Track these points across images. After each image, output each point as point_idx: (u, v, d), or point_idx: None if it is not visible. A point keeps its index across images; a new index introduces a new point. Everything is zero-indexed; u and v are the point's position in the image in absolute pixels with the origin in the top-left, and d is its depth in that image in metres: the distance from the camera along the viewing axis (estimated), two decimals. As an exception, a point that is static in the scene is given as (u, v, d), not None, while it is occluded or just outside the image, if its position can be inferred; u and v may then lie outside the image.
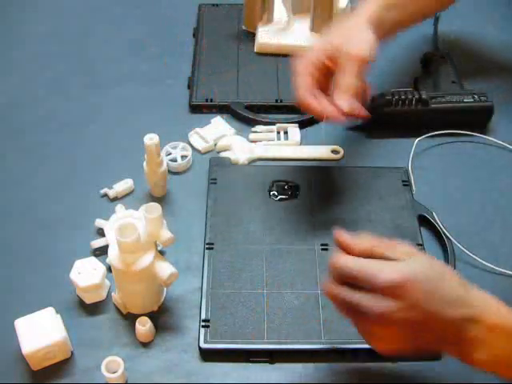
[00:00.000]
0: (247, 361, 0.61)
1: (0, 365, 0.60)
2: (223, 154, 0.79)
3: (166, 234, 0.60)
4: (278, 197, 0.74)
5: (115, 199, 0.74)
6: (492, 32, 0.97)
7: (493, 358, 0.52)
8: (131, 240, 0.57)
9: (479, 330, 0.51)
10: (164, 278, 0.60)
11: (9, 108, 0.86)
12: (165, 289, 0.66)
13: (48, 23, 0.99)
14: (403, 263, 0.52)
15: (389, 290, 0.50)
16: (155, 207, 0.59)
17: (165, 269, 0.60)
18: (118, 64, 0.92)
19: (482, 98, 0.82)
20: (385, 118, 0.81)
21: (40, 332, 0.58)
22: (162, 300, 0.65)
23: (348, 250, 0.55)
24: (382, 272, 0.50)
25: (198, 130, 0.82)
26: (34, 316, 0.59)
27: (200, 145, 0.80)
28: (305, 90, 0.67)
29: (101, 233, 0.70)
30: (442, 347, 0.54)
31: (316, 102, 0.67)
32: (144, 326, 0.61)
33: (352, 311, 0.52)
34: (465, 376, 0.60)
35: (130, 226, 0.58)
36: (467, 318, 0.51)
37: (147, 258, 0.59)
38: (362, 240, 0.55)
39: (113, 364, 0.58)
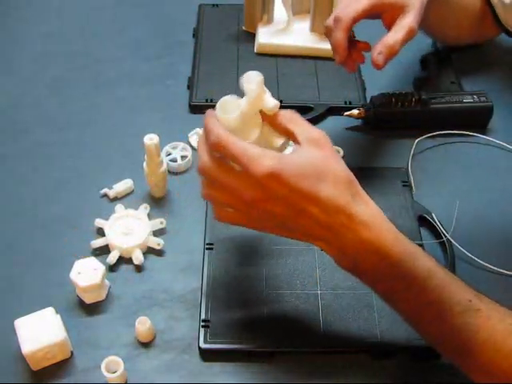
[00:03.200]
0: (247, 361, 0.61)
1: (0, 365, 0.60)
2: (223, 154, 0.79)
3: (270, 101, 0.55)
4: (278, 197, 0.74)
5: (115, 199, 0.74)
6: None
7: (355, 267, 0.53)
8: (233, 117, 0.55)
9: (349, 241, 0.51)
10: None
11: (9, 108, 0.86)
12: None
13: (48, 23, 0.99)
14: (287, 155, 0.52)
15: (261, 181, 0.50)
16: (254, 75, 0.55)
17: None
18: (118, 64, 0.92)
19: (482, 99, 0.82)
20: (385, 118, 0.82)
21: (40, 332, 0.58)
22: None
23: (267, 120, 0.55)
24: (261, 159, 0.50)
25: (198, 130, 0.82)
26: (34, 316, 0.59)
27: (200, 145, 0.80)
28: (343, 31, 0.69)
29: (101, 233, 0.70)
30: (311, 241, 0.54)
31: (344, 46, 0.70)
32: (144, 326, 0.61)
33: (221, 190, 0.54)
34: (464, 376, 0.60)
35: (231, 101, 0.56)
36: (338, 226, 0.51)
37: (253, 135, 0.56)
38: (281, 113, 0.55)
39: (113, 364, 0.58)
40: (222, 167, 0.53)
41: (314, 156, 0.52)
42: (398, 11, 0.69)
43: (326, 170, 0.52)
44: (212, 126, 0.53)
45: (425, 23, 0.76)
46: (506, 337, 0.49)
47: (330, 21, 0.71)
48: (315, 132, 0.54)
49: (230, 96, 0.57)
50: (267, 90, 0.56)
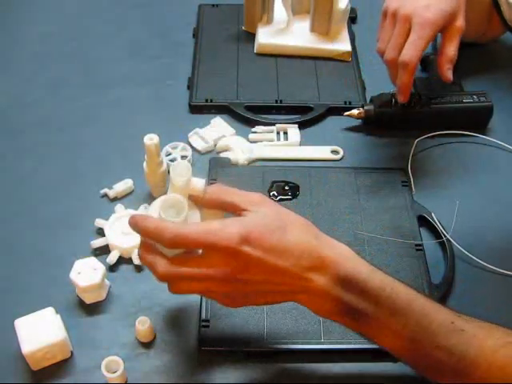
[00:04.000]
0: (247, 361, 0.61)
1: (0, 365, 0.60)
2: (223, 155, 0.79)
3: (199, 182, 0.56)
4: (278, 197, 0.74)
5: (115, 199, 0.74)
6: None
7: (338, 309, 0.52)
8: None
9: (327, 280, 0.51)
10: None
11: (9, 108, 0.86)
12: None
13: (48, 23, 0.99)
14: (244, 218, 0.51)
15: (234, 250, 0.49)
16: (182, 167, 0.56)
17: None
18: (118, 64, 0.92)
19: (482, 99, 0.82)
20: (385, 118, 0.82)
21: (40, 332, 0.58)
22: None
23: (199, 202, 0.56)
24: (224, 231, 0.49)
25: (197, 130, 0.82)
26: (34, 316, 0.59)
27: (200, 145, 0.80)
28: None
29: (101, 233, 0.70)
30: (292, 299, 0.54)
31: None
32: (144, 326, 0.61)
33: (195, 282, 0.51)
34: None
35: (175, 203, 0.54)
36: (314, 267, 0.51)
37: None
38: (211, 191, 0.55)
39: (113, 364, 0.58)
40: (184, 262, 0.52)
41: (267, 214, 0.52)
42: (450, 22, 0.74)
43: (284, 221, 0.52)
44: (159, 227, 0.51)
45: None
46: (497, 350, 0.49)
47: (393, 55, 0.74)
48: (254, 195, 0.54)
49: (158, 199, 0.59)
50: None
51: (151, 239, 0.52)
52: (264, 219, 0.51)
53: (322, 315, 0.54)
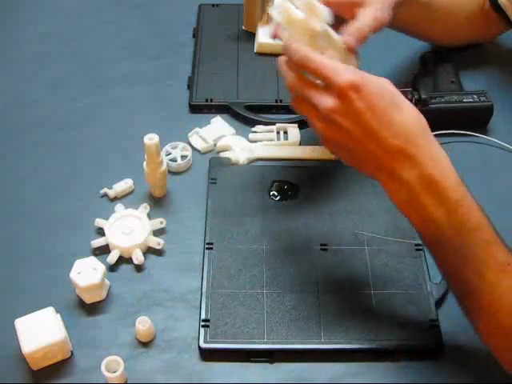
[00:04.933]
0: (247, 361, 0.61)
1: (0, 365, 0.60)
2: (223, 154, 0.79)
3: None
4: (278, 197, 0.74)
5: (115, 199, 0.74)
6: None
7: (412, 204, 0.53)
8: None
9: (413, 174, 0.52)
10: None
11: (9, 108, 0.86)
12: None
13: (48, 23, 0.99)
14: (368, 74, 0.54)
15: (342, 91, 0.52)
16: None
17: None
18: (118, 64, 0.92)
19: (482, 98, 0.82)
20: (385, 117, 0.81)
21: (40, 332, 0.58)
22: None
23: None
24: (344, 71, 0.53)
25: (197, 130, 0.82)
26: (34, 316, 0.59)
27: (200, 145, 0.80)
28: None
29: (101, 232, 0.70)
30: (375, 174, 0.55)
31: None
32: (144, 326, 0.61)
33: (305, 102, 0.56)
34: (464, 376, 0.60)
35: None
36: (406, 156, 0.52)
37: None
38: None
39: (113, 364, 0.58)
40: (305, 81, 0.56)
41: (390, 86, 0.54)
42: (358, 6, 0.69)
43: (401, 100, 0.54)
44: (296, 45, 0.56)
45: (413, 30, 0.83)
46: None
47: None
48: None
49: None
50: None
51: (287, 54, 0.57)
52: (384, 85, 0.54)
53: (396, 203, 0.54)
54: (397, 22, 0.76)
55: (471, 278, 0.52)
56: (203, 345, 0.61)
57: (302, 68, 0.56)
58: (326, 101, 0.53)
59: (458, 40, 0.91)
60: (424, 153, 0.52)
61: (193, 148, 0.80)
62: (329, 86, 0.53)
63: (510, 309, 0.51)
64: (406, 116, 0.53)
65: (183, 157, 0.78)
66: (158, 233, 0.71)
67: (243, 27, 0.96)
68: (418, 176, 0.52)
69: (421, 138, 0.52)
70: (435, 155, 0.53)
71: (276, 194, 0.74)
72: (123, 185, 0.75)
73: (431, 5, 0.82)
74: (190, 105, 0.85)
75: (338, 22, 0.67)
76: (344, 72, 0.53)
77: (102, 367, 0.57)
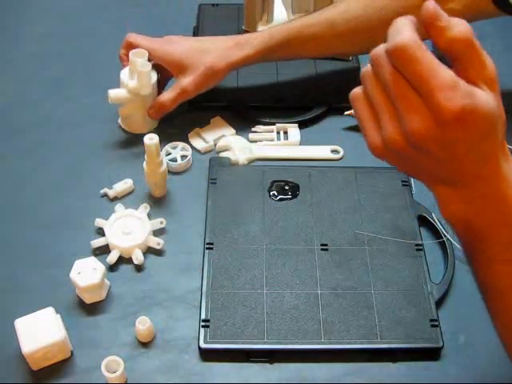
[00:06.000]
0: (247, 361, 0.61)
1: (0, 365, 0.60)
2: (223, 154, 0.79)
3: None
4: (278, 197, 0.74)
5: (115, 199, 0.74)
6: (492, 32, 0.97)
7: (469, 220, 0.45)
8: None
9: (492, 192, 0.43)
10: None
11: (8, 108, 0.86)
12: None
13: (48, 23, 0.99)
14: (480, 92, 0.41)
15: (447, 120, 0.39)
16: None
17: None
18: (118, 64, 0.91)
19: (482, 98, 0.82)
20: (385, 118, 0.81)
21: (40, 332, 0.58)
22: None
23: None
24: (457, 92, 0.39)
25: (197, 130, 0.82)
26: (34, 316, 0.59)
27: (200, 145, 0.80)
28: None
29: (101, 232, 0.70)
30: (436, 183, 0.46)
31: None
32: (144, 326, 0.61)
33: (372, 112, 0.43)
34: (464, 376, 0.60)
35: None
36: (481, 176, 0.43)
37: None
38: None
39: (113, 364, 0.58)
40: (401, 84, 0.41)
41: (496, 101, 0.43)
42: (178, 71, 0.78)
43: (500, 119, 0.43)
44: (404, 24, 0.41)
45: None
46: None
47: None
48: (491, 68, 0.45)
49: None
50: None
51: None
52: (493, 106, 0.42)
53: (448, 214, 0.46)
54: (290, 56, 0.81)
55: None
56: (203, 345, 0.61)
57: (398, 62, 0.40)
58: (419, 121, 0.40)
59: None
60: (503, 174, 0.44)
61: (193, 148, 0.80)
62: (427, 100, 0.40)
63: None
64: (495, 136, 0.43)
65: (183, 157, 0.78)
66: (157, 233, 0.71)
67: (243, 27, 0.96)
68: (491, 196, 0.44)
69: (500, 157, 0.44)
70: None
71: (276, 193, 0.74)
72: (123, 185, 0.74)
73: (335, 22, 0.79)
74: (189, 105, 0.85)
75: None
76: (453, 93, 0.39)
77: (102, 367, 0.57)
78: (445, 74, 0.39)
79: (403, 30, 0.40)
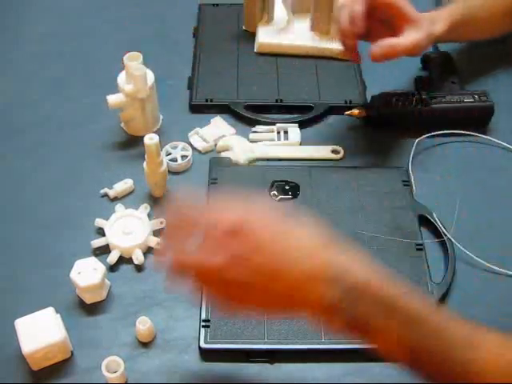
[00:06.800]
0: (247, 361, 0.61)
1: (0, 365, 0.60)
2: (223, 154, 0.79)
3: None
4: (279, 197, 0.74)
5: (115, 199, 0.74)
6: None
7: (345, 322, 0.47)
8: None
9: (341, 288, 0.45)
10: None
11: (9, 108, 0.86)
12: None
13: (48, 23, 0.99)
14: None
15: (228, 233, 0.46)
16: None
17: None
18: (118, 64, 0.91)
19: (483, 98, 0.82)
20: (385, 117, 0.81)
21: (40, 332, 0.58)
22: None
23: None
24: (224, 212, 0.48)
25: (198, 129, 0.82)
26: (34, 316, 0.59)
27: (200, 145, 0.80)
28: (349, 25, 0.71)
29: (101, 232, 0.70)
30: (292, 308, 0.49)
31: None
32: (144, 326, 0.61)
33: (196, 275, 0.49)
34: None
35: None
36: (317, 275, 0.45)
37: None
38: None
39: (113, 364, 0.58)
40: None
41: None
42: (408, 23, 0.72)
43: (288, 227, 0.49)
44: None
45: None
46: None
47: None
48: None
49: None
50: None
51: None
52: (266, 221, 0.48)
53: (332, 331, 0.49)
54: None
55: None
56: (203, 345, 0.61)
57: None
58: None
59: (495, 34, 0.89)
60: (339, 265, 0.46)
61: (193, 148, 0.80)
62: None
63: None
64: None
65: (183, 157, 0.78)
66: (158, 233, 0.71)
67: (243, 27, 0.96)
68: (343, 291, 0.46)
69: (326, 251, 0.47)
70: (352, 261, 0.47)
71: (276, 193, 0.74)
72: (123, 185, 0.74)
73: (473, 16, 0.82)
74: (190, 105, 0.85)
75: (390, 29, 0.72)
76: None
77: (103, 367, 0.57)
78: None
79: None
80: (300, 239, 0.48)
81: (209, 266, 0.47)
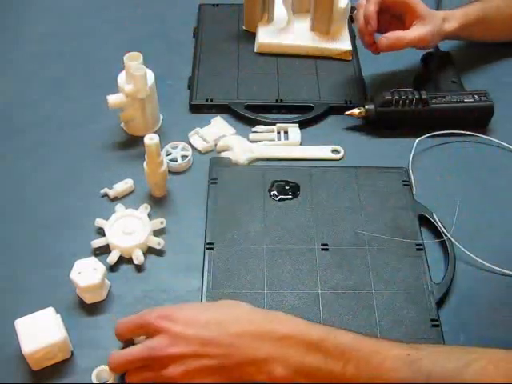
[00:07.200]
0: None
1: (0, 365, 0.60)
2: (223, 154, 0.79)
3: None
4: (278, 197, 0.74)
5: (115, 199, 0.74)
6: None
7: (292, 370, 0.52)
8: None
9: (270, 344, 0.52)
10: None
11: (9, 108, 0.86)
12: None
13: (48, 23, 0.99)
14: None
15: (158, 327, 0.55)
16: None
17: None
18: (118, 64, 0.91)
19: (483, 98, 0.82)
20: (385, 117, 0.81)
21: (40, 332, 0.58)
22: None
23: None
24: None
25: (198, 129, 0.82)
26: (34, 316, 0.59)
27: (200, 145, 0.80)
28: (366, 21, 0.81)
29: (101, 232, 0.70)
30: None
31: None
32: (144, 326, 0.61)
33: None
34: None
35: None
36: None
37: None
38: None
39: (104, 374, 0.58)
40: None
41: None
42: (418, 19, 0.81)
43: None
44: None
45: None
46: (462, 372, 0.48)
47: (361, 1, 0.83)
48: None
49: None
50: None
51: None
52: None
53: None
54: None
55: None
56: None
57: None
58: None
59: (510, 37, 0.92)
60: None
61: (193, 148, 0.80)
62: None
63: None
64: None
65: (183, 157, 0.78)
66: (158, 233, 0.71)
67: (243, 27, 0.97)
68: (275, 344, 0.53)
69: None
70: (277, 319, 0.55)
71: (276, 193, 0.74)
72: (123, 185, 0.74)
73: (486, 16, 0.86)
74: (190, 105, 0.85)
75: (402, 24, 0.83)
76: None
77: (93, 377, 0.57)
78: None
79: None
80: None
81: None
